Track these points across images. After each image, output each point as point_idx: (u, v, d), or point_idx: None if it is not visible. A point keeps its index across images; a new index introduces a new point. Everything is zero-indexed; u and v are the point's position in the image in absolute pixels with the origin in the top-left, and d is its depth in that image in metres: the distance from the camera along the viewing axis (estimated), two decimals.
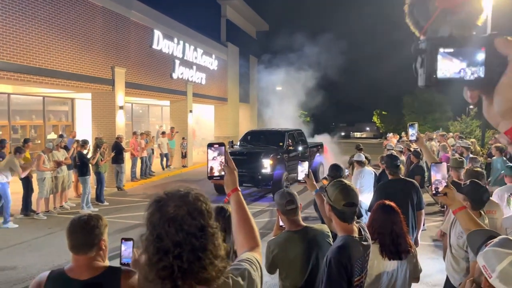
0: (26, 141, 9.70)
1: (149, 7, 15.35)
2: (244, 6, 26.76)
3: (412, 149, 9.33)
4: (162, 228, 1.17)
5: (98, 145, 10.56)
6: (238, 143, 13.57)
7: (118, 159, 12.18)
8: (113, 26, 13.41)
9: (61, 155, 9.71)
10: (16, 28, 9.55)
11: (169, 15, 16.94)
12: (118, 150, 12.10)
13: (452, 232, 3.48)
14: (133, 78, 14.55)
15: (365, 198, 6.18)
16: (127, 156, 13.24)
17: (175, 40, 17.56)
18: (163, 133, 17.21)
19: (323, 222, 3.17)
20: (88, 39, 12.14)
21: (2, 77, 9.28)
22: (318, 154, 15.07)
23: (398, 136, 21.51)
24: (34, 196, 9.34)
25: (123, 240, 2.18)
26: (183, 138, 18.00)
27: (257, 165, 11.27)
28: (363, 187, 6.61)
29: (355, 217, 2.31)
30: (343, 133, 59.55)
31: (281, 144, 12.55)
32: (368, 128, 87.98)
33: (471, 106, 24.04)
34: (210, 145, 1.62)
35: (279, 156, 11.81)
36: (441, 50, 0.73)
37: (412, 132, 3.17)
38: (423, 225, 5.09)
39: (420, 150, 7.58)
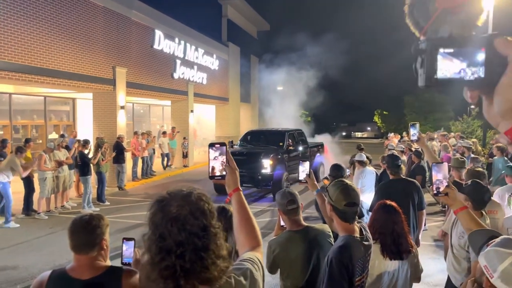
0: (27, 140, 9.72)
1: (150, 7, 15.35)
2: (245, 6, 26.75)
3: (413, 149, 9.33)
4: (164, 227, 1.18)
5: (99, 145, 10.56)
6: (238, 143, 13.49)
7: (119, 159, 12.19)
8: (114, 26, 13.43)
9: (62, 155, 9.72)
10: (17, 28, 9.57)
11: (170, 15, 16.95)
12: (119, 150, 12.11)
13: (454, 232, 3.48)
14: (134, 78, 14.56)
15: (367, 198, 6.19)
16: (128, 156, 13.25)
17: (176, 40, 17.56)
18: (164, 133, 17.21)
19: (324, 222, 3.17)
20: (89, 39, 12.16)
21: (3, 77, 9.29)
22: (318, 154, 15.05)
23: (399, 136, 21.48)
24: (36, 196, 9.35)
25: (124, 240, 2.19)
26: (184, 138, 18.00)
27: (257, 165, 11.20)
28: (364, 187, 6.62)
29: (356, 217, 2.32)
30: (344, 133, 59.58)
31: (281, 144, 12.49)
32: (369, 128, 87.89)
33: (473, 106, 23.97)
34: (211, 145, 1.62)
35: (279, 156, 11.74)
36: (441, 50, 0.73)
37: (414, 132, 3.18)
38: (424, 225, 5.08)
39: (422, 150, 7.59)
